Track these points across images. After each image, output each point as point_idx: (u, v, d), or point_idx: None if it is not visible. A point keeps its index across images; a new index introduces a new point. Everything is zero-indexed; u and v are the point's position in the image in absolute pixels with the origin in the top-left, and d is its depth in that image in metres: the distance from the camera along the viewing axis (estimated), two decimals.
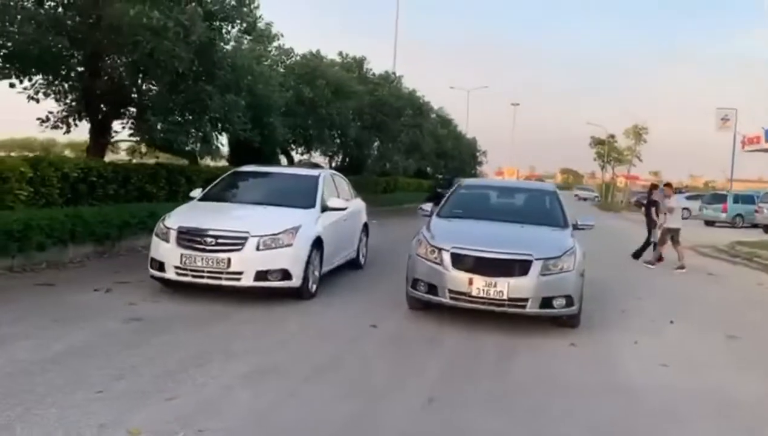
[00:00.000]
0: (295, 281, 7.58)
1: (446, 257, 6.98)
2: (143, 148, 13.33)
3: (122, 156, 15.68)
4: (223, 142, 15.41)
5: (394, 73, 27.23)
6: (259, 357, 5.52)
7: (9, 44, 10.35)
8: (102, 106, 12.33)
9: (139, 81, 11.71)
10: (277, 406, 4.45)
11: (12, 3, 10.56)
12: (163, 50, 10.18)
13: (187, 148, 13.68)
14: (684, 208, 32.78)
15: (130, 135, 12.48)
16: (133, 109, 12.50)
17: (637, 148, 58.09)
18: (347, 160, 27.41)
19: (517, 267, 6.79)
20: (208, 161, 17.27)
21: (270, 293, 7.62)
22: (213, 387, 4.70)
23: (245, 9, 12.37)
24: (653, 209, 14.05)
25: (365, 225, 10.88)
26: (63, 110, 12.50)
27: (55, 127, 12.68)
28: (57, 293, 7.50)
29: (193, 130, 12.53)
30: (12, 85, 10.39)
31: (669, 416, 4.74)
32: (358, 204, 10.82)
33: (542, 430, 4.38)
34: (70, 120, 12.63)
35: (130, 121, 12.36)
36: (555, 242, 7.24)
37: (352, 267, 10.33)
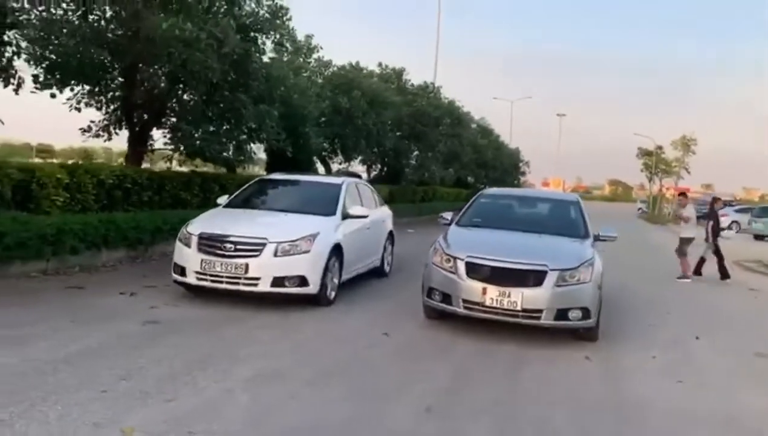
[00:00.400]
0: (313, 288, 7.67)
1: (461, 266, 6.96)
2: (177, 157, 13.60)
3: (162, 164, 16.12)
4: (257, 151, 15.55)
5: (432, 84, 27.27)
6: (265, 361, 5.60)
7: (52, 56, 10.79)
8: (140, 115, 12.69)
9: (176, 91, 11.99)
10: (273, 409, 4.51)
11: (57, 17, 11.03)
12: (196, 61, 10.44)
13: (224, 156, 13.98)
14: (733, 222, 32.00)
15: (166, 144, 12.80)
16: (173, 119, 12.82)
17: (686, 159, 56.66)
18: (385, 169, 27.50)
19: (532, 277, 6.72)
20: (246, 169, 17.63)
21: (288, 299, 7.73)
22: (213, 390, 4.79)
23: (278, 21, 12.58)
24: (710, 224, 13.54)
25: (390, 233, 10.92)
26: (104, 120, 12.96)
27: (96, 136, 13.15)
28: (84, 296, 7.75)
29: (225, 140, 12.77)
30: (53, 96, 10.81)
31: (666, 433, 4.62)
32: (383, 213, 10.88)
33: None
34: (111, 129, 13.11)
35: (167, 131, 12.68)
36: (572, 252, 7.13)
37: (377, 275, 10.39)
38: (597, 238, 7.96)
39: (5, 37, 9.28)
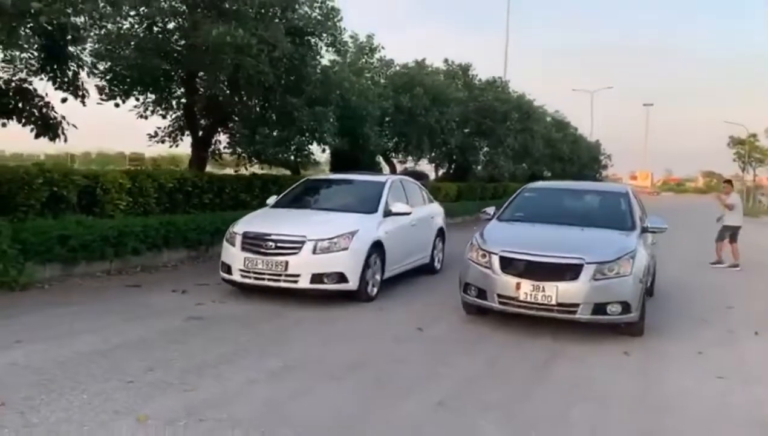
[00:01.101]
0: (352, 284, 7.78)
1: (495, 261, 6.89)
2: (241, 161, 14.03)
3: (229, 169, 16.69)
4: (317, 152, 15.83)
5: (500, 78, 26.90)
6: (294, 354, 5.75)
7: (116, 68, 11.41)
8: (201, 121, 13.22)
9: (234, 97, 12.40)
10: (286, 400, 4.64)
11: (123, 31, 11.66)
12: (248, 66, 10.77)
13: (283, 158, 14.35)
14: None
15: (225, 148, 13.26)
16: (231, 124, 13.29)
17: None
18: (453, 167, 27.37)
19: (568, 271, 6.58)
20: (308, 171, 17.98)
21: (329, 295, 7.89)
22: (235, 382, 4.96)
23: (329, 23, 12.78)
24: None
25: (441, 230, 10.89)
26: (169, 126, 13.60)
27: (162, 141, 13.82)
28: (139, 294, 8.17)
29: (281, 142, 13.08)
30: (117, 105, 11.43)
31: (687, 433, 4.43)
32: (432, 210, 10.86)
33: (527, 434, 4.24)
34: (176, 135, 13.75)
35: (227, 136, 13.14)
36: (613, 245, 6.91)
37: (427, 272, 10.40)
38: (645, 230, 7.68)
39: (69, 52, 9.85)
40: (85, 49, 10.06)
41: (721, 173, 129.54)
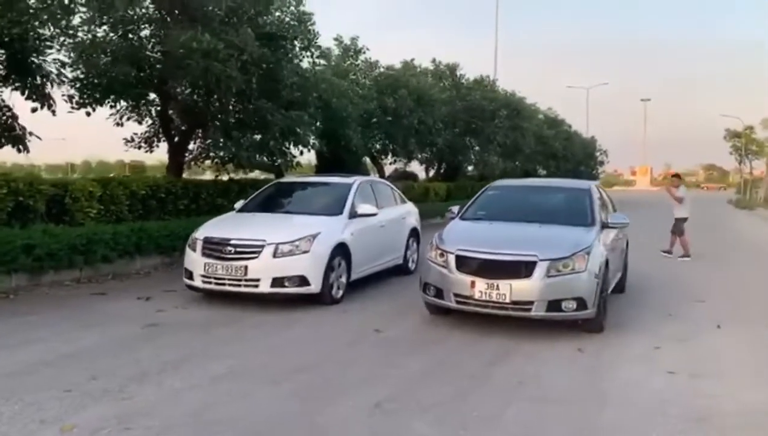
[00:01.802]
0: (314, 287, 7.76)
1: (451, 260, 6.88)
2: (210, 165, 14.06)
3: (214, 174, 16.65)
4: (298, 155, 15.80)
5: (488, 77, 26.88)
6: (241, 360, 5.73)
7: (89, 77, 11.40)
8: (177, 127, 13.23)
9: (205, 103, 12.39)
10: (219, 406, 4.61)
11: (98, 39, 11.66)
12: (215, 72, 10.76)
13: (261, 162, 14.35)
14: None
15: (198, 153, 13.26)
16: (206, 130, 13.28)
17: None
18: (443, 166, 27.35)
19: (521, 269, 6.55)
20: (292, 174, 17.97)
21: (292, 299, 7.88)
22: (175, 388, 4.95)
23: (302, 27, 12.76)
24: None
25: (414, 230, 10.87)
26: (145, 132, 13.61)
27: (138, 147, 13.83)
28: (102, 302, 8.16)
29: (254, 147, 13.07)
30: (88, 114, 11.43)
31: (624, 432, 4.39)
32: (405, 210, 10.83)
33: (457, 434, 4.20)
34: (153, 141, 13.77)
35: (198, 140, 13.14)
36: (569, 241, 6.88)
37: (401, 272, 10.39)
38: (605, 225, 7.65)
39: (33, 62, 9.87)
40: (46, 60, 10.02)
41: (722, 166, 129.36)
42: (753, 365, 5.94)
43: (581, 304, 6.55)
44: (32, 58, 9.95)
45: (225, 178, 14.09)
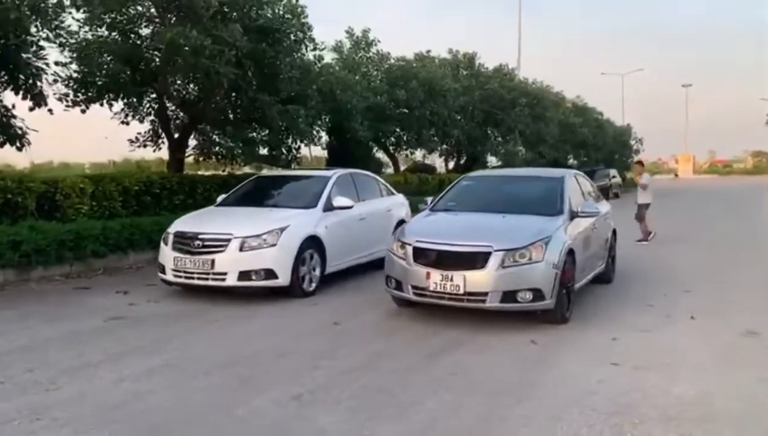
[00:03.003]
0: (282, 280, 7.79)
1: (409, 252, 6.82)
2: (204, 159, 14.19)
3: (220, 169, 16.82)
4: (303, 149, 15.91)
5: (506, 66, 26.52)
6: (183, 353, 5.78)
7: (85, 76, 11.66)
8: (176, 124, 13.43)
9: (196, 99, 12.54)
10: (138, 398, 4.66)
11: (96, 39, 11.93)
12: (202, 68, 10.87)
13: (260, 156, 14.51)
14: None
15: (194, 148, 13.42)
16: (203, 126, 13.45)
17: None
18: (462, 157, 27.14)
19: (476, 260, 6.45)
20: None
21: (262, 292, 7.93)
22: (105, 380, 5.02)
23: (294, 20, 12.78)
24: None
25: (402, 222, 10.77)
26: (148, 131, 13.85)
27: (143, 146, 14.07)
28: (82, 296, 8.34)
29: (248, 142, 13.18)
30: (83, 111, 11.68)
31: (531, 425, 4.28)
32: (391, 202, 10.76)
33: (363, 428, 4.16)
34: (157, 139, 14.01)
35: (195, 136, 13.31)
36: (528, 231, 6.74)
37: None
38: (575, 214, 7.47)
39: (24, 60, 10.12)
40: (32, 58, 10.24)
41: None
42: (705, 358, 5.72)
43: (538, 295, 6.41)
44: (24, 55, 10.20)
45: (224, 173, 14.22)
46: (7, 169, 11.67)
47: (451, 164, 27.26)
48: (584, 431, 4.10)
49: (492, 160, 29.28)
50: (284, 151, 14.35)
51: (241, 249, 7.67)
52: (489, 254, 6.42)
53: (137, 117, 13.37)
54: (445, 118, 21.75)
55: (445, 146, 25.99)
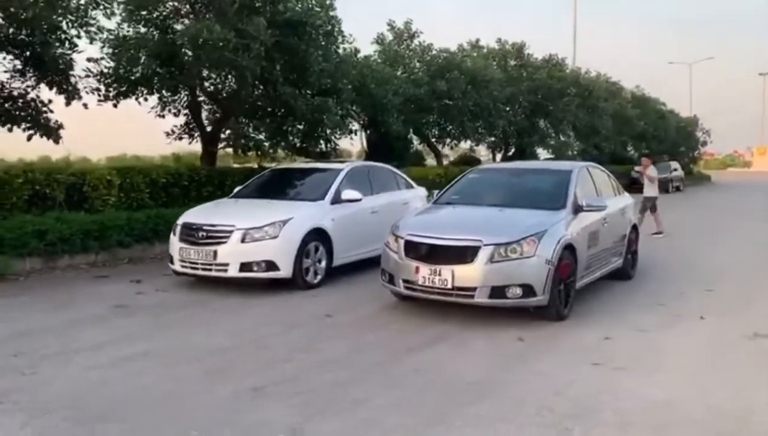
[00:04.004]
0: (284, 272, 7.84)
1: (401, 245, 6.75)
2: (236, 152, 14.42)
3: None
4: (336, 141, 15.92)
5: (556, 55, 25.85)
6: (168, 342, 5.90)
7: (106, 70, 11.97)
8: (208, 117, 13.71)
9: (224, 92, 12.73)
10: (108, 384, 4.79)
11: (131, 35, 12.28)
12: (225, 62, 11.03)
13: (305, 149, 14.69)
14: None
15: (225, 141, 13.63)
16: (234, 119, 13.67)
17: None
18: (510, 149, 26.66)
19: (465, 254, 6.32)
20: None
21: (271, 283, 8.00)
22: (80, 366, 5.18)
23: (321, 12, 12.78)
24: None
25: None
26: (183, 124, 14.19)
27: (179, 138, 14.42)
28: (97, 284, 8.62)
29: (278, 134, 13.31)
30: (115, 106, 12.06)
31: (475, 426, 4.15)
32: (410, 195, 10.61)
33: (306, 422, 4.12)
34: (192, 132, 14.33)
35: (227, 130, 13.53)
36: (522, 225, 6.54)
37: None
38: (579, 209, 7.20)
39: (57, 55, 10.52)
40: (66, 53, 10.62)
41: None
42: (696, 361, 5.43)
43: (528, 290, 6.23)
44: (57, 51, 10.60)
45: (255, 165, 14.42)
46: (41, 164, 12.09)
47: (498, 157, 26.80)
48: (531, 432, 3.95)
49: (543, 152, 28.61)
50: (321, 144, 14.43)
51: (243, 240, 7.76)
52: (478, 248, 6.28)
53: (172, 111, 13.67)
54: (490, 109, 21.35)
55: (492, 138, 25.55)
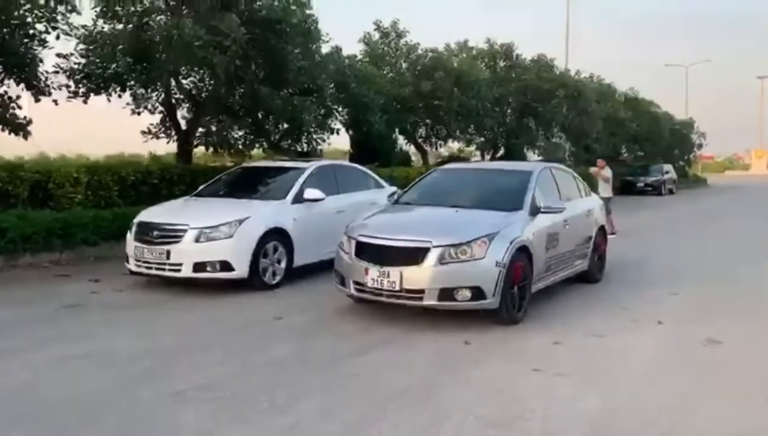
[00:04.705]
0: (238, 272, 7.71)
1: (353, 246, 6.62)
2: (207, 150, 14.30)
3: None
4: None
5: (544, 56, 25.70)
6: (107, 343, 5.76)
7: (76, 66, 11.83)
8: (183, 115, 13.59)
9: (195, 90, 12.60)
10: (31, 385, 4.69)
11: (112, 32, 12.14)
12: (195, 59, 10.91)
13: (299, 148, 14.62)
14: None
15: (197, 139, 13.50)
16: (209, 117, 13.55)
17: None
18: (499, 150, 26.53)
19: (414, 255, 6.18)
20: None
21: (229, 284, 7.85)
22: (8, 368, 5.05)
23: (297, 10, 12.66)
24: None
25: None
26: (159, 122, 14.06)
27: (156, 137, 14.29)
28: (56, 283, 8.50)
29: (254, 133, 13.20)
30: (85, 102, 11.92)
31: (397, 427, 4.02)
32: (379, 195, 10.44)
33: (220, 429, 3.99)
34: (168, 131, 14.20)
35: (200, 127, 13.41)
36: (475, 227, 6.40)
37: None
38: (537, 211, 7.07)
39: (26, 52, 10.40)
40: (33, 49, 10.49)
41: None
42: (644, 367, 5.30)
43: (478, 293, 6.10)
44: (22, 48, 10.48)
45: (231, 164, 14.28)
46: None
47: (487, 158, 26.65)
48: None
49: (533, 154, 28.46)
50: (302, 143, 14.33)
51: (197, 240, 7.63)
52: (428, 249, 6.14)
53: (148, 108, 13.54)
54: (478, 110, 21.21)
55: (481, 139, 25.46)
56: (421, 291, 6.13)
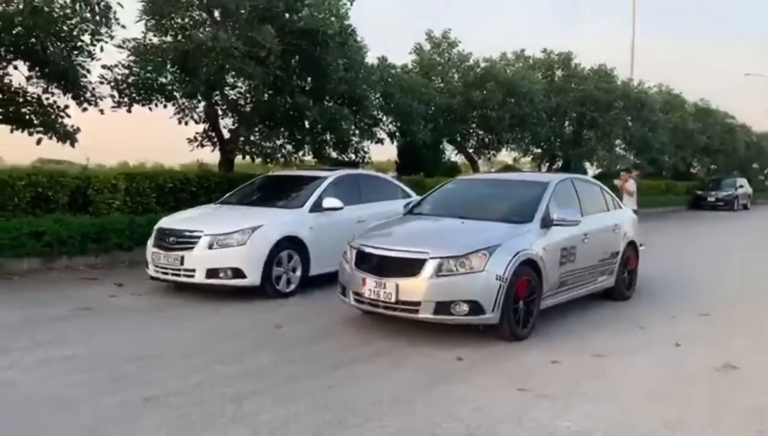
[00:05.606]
0: (250, 280, 7.74)
1: (353, 256, 6.53)
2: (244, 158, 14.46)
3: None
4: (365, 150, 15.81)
5: (604, 66, 24.89)
6: (100, 346, 5.85)
7: (119, 77, 12.23)
8: (226, 124, 13.89)
9: (237, 99, 12.82)
10: (8, 386, 4.78)
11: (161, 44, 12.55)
12: (232, 69, 11.11)
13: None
14: None
15: (237, 147, 13.69)
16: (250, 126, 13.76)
17: None
18: (556, 162, 25.86)
19: (412, 266, 6.02)
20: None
21: (241, 291, 7.90)
22: (1, 367, 5.20)
23: (338, 22, 12.70)
24: None
25: None
26: (204, 131, 14.38)
27: (201, 145, 14.61)
28: (81, 286, 8.75)
29: (287, 141, 13.32)
30: (129, 111, 12.30)
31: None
32: (397, 206, 10.27)
33: (180, 434, 3.96)
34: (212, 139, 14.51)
35: (240, 137, 13.61)
36: (475, 239, 6.18)
37: None
38: (549, 223, 6.78)
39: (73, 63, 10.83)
40: (76, 60, 10.89)
41: None
42: (640, 392, 4.92)
43: (476, 308, 5.88)
44: (73, 60, 10.91)
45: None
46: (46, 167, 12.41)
47: (543, 169, 26.02)
48: None
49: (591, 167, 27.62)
50: (348, 152, 14.44)
51: (210, 247, 7.71)
52: (424, 260, 5.98)
53: (193, 118, 13.87)
54: (532, 119, 20.76)
55: (538, 150, 24.95)
56: (417, 303, 5.96)
